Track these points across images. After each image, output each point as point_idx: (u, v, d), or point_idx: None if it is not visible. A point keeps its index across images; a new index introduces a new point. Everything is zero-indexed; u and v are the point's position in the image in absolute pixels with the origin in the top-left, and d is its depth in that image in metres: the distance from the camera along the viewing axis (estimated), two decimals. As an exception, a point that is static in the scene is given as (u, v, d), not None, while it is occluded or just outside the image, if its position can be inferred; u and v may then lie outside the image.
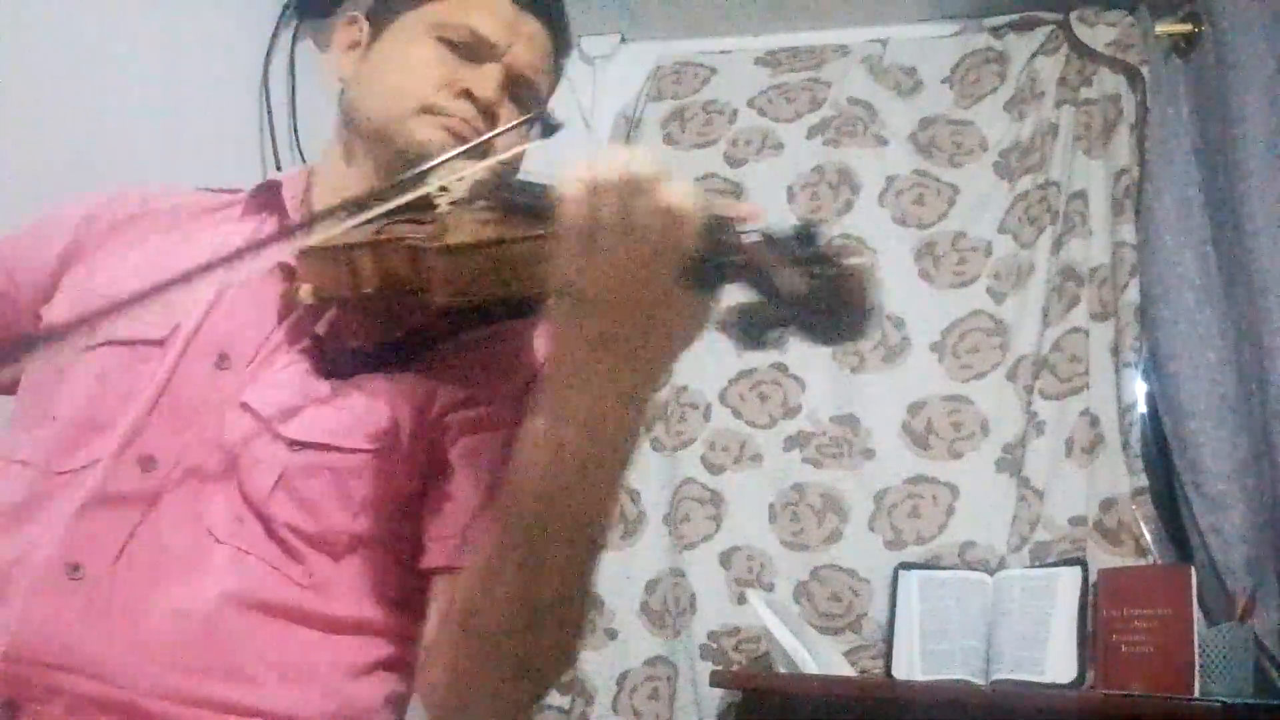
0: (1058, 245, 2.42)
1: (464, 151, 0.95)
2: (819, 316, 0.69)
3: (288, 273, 1.02)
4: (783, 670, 2.14)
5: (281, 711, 0.90)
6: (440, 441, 0.99)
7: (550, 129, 0.98)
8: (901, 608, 2.25)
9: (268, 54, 2.24)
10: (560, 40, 1.15)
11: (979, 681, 2.12)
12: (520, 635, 0.85)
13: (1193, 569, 2.03)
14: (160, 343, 0.98)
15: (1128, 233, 2.35)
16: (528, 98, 1.10)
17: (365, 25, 1.13)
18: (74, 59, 1.75)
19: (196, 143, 1.95)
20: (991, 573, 2.24)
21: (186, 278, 0.84)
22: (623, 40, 2.83)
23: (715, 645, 2.35)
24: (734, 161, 2.65)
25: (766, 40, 2.75)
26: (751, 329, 0.70)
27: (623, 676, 2.41)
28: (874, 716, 2.04)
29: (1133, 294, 2.31)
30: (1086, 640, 2.08)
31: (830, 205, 2.59)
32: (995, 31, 2.61)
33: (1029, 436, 2.32)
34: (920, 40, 2.66)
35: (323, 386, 0.97)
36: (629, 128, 2.76)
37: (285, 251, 1.03)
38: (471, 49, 1.06)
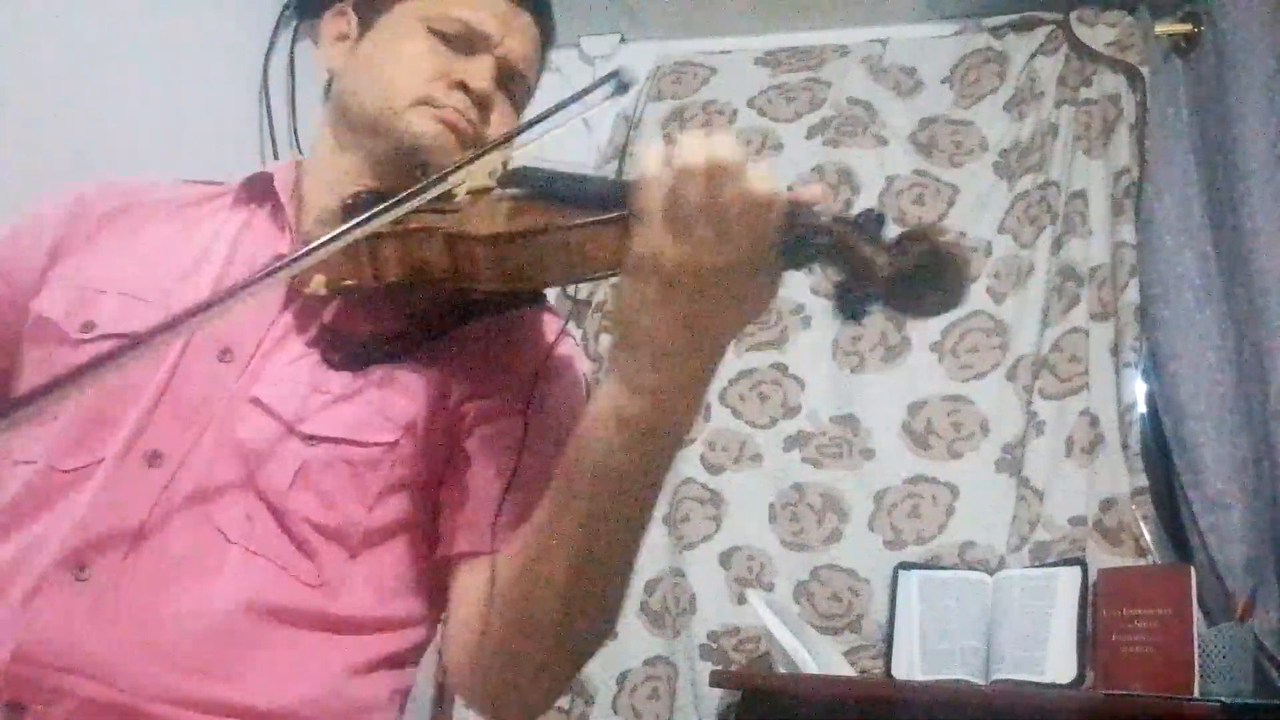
0: (1057, 245, 2.42)
1: (495, 145, 0.95)
2: (912, 290, 0.71)
3: (273, 262, 1.00)
4: (783, 670, 2.14)
5: (285, 713, 0.90)
6: (456, 431, 0.99)
7: (624, 87, 0.99)
8: (901, 608, 2.25)
9: (267, 54, 2.24)
10: (547, 33, 1.15)
11: (979, 681, 2.12)
12: (569, 610, 0.86)
13: (1193, 569, 2.03)
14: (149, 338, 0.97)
15: (1128, 233, 2.35)
16: (519, 90, 1.10)
17: (354, 17, 1.12)
18: (74, 59, 1.76)
19: (197, 142, 1.94)
20: (991, 573, 2.24)
21: (235, 291, 0.83)
22: (623, 40, 2.83)
23: (715, 645, 2.35)
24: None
25: (766, 40, 2.75)
26: (849, 304, 0.73)
27: (623, 676, 2.41)
28: (874, 716, 2.04)
29: (1133, 294, 2.31)
30: (1086, 640, 2.08)
31: (830, 204, 2.58)
32: (995, 31, 2.61)
33: (1029, 436, 2.31)
34: (920, 40, 2.66)
35: (336, 379, 0.97)
36: (629, 128, 2.76)
37: (285, 244, 1.03)
38: (464, 41, 1.06)
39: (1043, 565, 2.20)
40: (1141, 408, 2.32)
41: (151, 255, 1.03)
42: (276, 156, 2.21)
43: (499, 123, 1.07)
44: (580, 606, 0.87)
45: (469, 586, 0.95)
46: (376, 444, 0.96)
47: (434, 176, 0.90)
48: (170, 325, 0.81)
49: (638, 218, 0.77)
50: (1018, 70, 2.56)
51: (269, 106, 2.21)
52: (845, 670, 2.22)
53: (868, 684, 2.19)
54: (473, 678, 0.93)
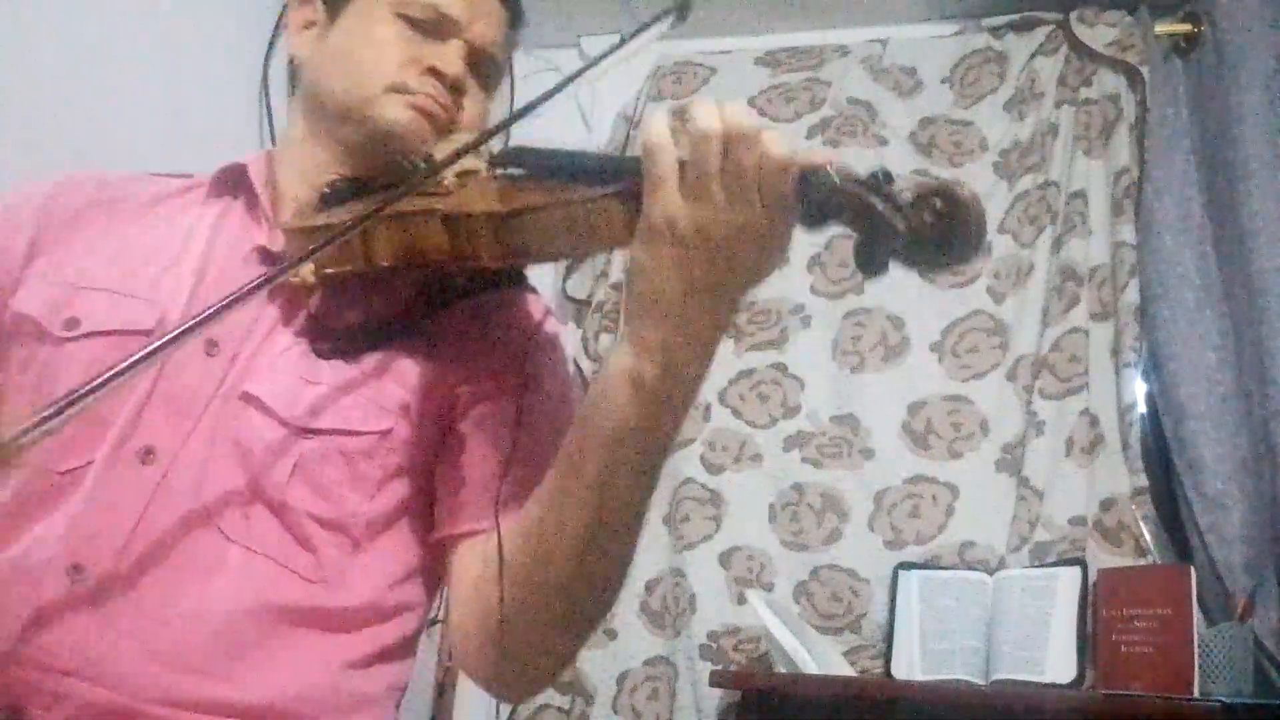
0: (1057, 245, 2.42)
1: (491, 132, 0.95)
2: (931, 245, 0.71)
3: (265, 255, 1.01)
4: (783, 670, 2.14)
5: (284, 710, 0.90)
6: (450, 414, 0.99)
7: (684, 9, 0.99)
8: (901, 608, 2.25)
9: (268, 54, 2.24)
10: (515, 13, 1.14)
11: (979, 681, 2.12)
12: (579, 577, 0.86)
13: (1193, 569, 2.03)
14: (149, 332, 0.96)
15: (1127, 233, 2.35)
16: (489, 72, 1.09)
17: (320, 4, 1.11)
18: (74, 59, 1.76)
19: (197, 142, 1.94)
20: (991, 573, 2.24)
21: (242, 296, 0.82)
22: (622, 40, 2.83)
23: (715, 645, 2.35)
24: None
25: (766, 40, 2.76)
26: (871, 262, 0.73)
27: (623, 676, 2.41)
28: (874, 716, 2.04)
29: (1132, 294, 2.31)
30: (1086, 640, 2.08)
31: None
32: (995, 32, 2.61)
33: (1029, 436, 2.31)
34: (920, 40, 2.67)
35: (326, 369, 0.96)
36: (629, 128, 2.76)
37: (263, 235, 1.02)
38: (433, 26, 1.05)
39: (1043, 565, 2.20)
40: (1141, 408, 2.32)
41: (131, 250, 1.02)
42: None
43: (471, 107, 1.07)
44: (590, 573, 0.87)
45: (471, 565, 0.95)
46: (371, 433, 0.96)
47: (436, 163, 0.90)
48: (191, 329, 0.81)
49: (651, 183, 0.77)
50: (1018, 70, 2.56)
51: (269, 106, 2.21)
52: (845, 670, 2.22)
53: (868, 684, 2.19)
54: (481, 653, 0.93)
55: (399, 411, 0.97)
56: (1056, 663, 2.06)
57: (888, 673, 2.20)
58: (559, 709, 2.43)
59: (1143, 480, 2.22)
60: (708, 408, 2.52)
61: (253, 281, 0.83)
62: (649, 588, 2.46)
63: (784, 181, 0.75)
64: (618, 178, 0.82)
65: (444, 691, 2.50)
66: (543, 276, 2.56)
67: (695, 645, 2.35)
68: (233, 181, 1.08)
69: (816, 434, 2.45)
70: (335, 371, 0.96)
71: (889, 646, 2.23)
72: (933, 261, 0.72)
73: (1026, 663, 2.08)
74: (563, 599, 0.88)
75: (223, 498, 0.92)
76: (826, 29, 2.72)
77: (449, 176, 0.93)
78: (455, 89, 1.04)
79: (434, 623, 1.03)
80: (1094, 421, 2.28)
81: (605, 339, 2.65)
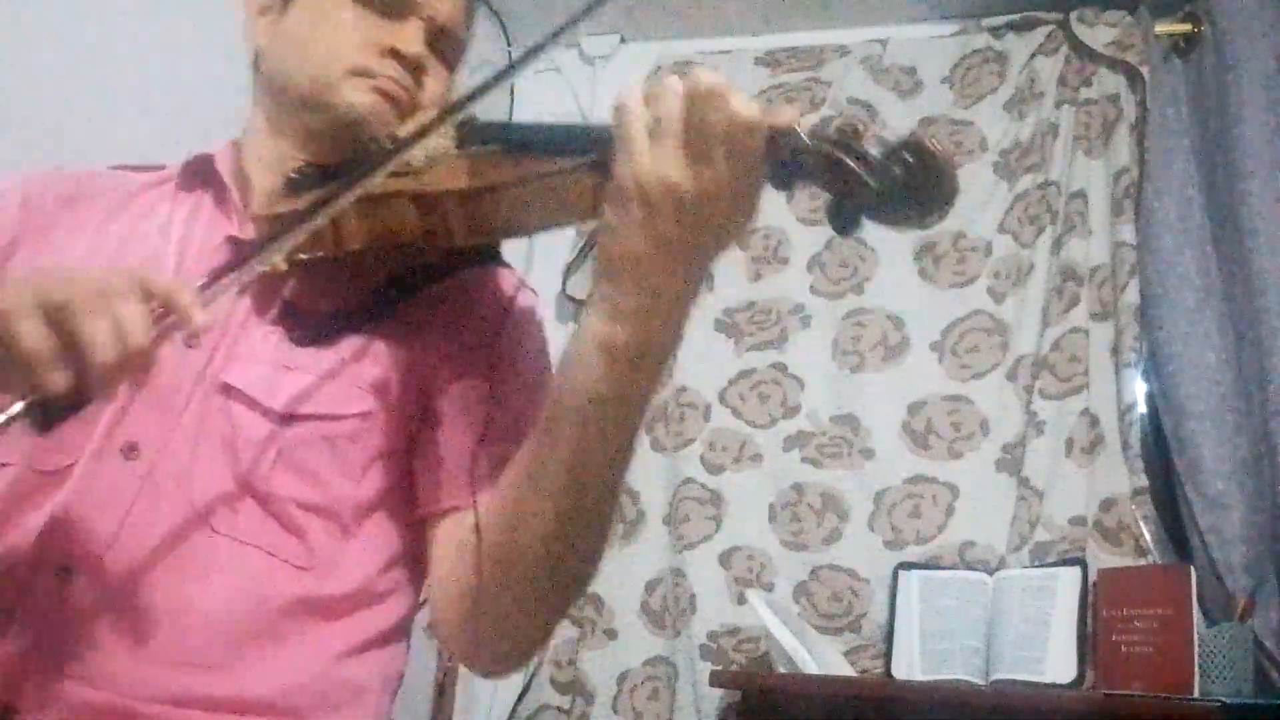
0: (1058, 245, 2.42)
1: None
2: (902, 201, 0.71)
3: (236, 244, 1.00)
4: (783, 670, 2.14)
5: (279, 703, 0.90)
6: (428, 393, 0.99)
7: None
8: (901, 608, 2.25)
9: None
10: None
11: (979, 681, 2.12)
12: (558, 548, 0.86)
13: (1193, 569, 2.03)
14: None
15: (1128, 233, 2.35)
16: (450, 49, 1.08)
17: None
18: (74, 59, 1.75)
19: (197, 142, 1.94)
20: (991, 573, 2.24)
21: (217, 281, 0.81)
22: (623, 40, 2.83)
23: (715, 645, 2.35)
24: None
25: (766, 40, 2.76)
26: (843, 220, 0.73)
27: (623, 676, 2.41)
28: (874, 716, 2.04)
29: (1133, 294, 2.31)
30: (1086, 640, 2.08)
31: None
32: (995, 31, 2.61)
33: (1029, 436, 2.32)
34: (920, 40, 2.67)
35: (304, 355, 0.96)
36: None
37: (234, 226, 1.01)
38: (390, 5, 1.03)
39: (1043, 565, 2.21)
40: (1141, 408, 2.32)
41: (107, 246, 1.01)
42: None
43: (433, 85, 1.05)
44: (567, 544, 0.86)
45: (451, 541, 0.95)
46: (352, 416, 0.95)
47: (396, 145, 0.89)
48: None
49: (620, 145, 0.77)
50: (1018, 70, 2.57)
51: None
52: (845, 670, 2.22)
53: (868, 684, 2.19)
54: (462, 628, 0.92)
55: (378, 393, 0.97)
56: (1056, 663, 2.06)
57: (888, 673, 2.21)
58: (559, 709, 2.43)
59: (1143, 480, 2.22)
60: (708, 408, 2.52)
61: (223, 269, 0.82)
62: (649, 588, 2.46)
63: (752, 141, 0.74)
64: (588, 149, 0.82)
65: (444, 691, 2.50)
66: (543, 276, 2.56)
67: (695, 645, 2.35)
68: (201, 172, 1.07)
69: (816, 434, 2.45)
70: (313, 357, 0.96)
71: (889, 646, 2.23)
72: (906, 216, 0.72)
73: (1026, 663, 2.08)
74: (540, 571, 0.87)
75: (209, 490, 0.91)
76: (826, 29, 2.72)
77: (418, 156, 0.93)
78: (417, 69, 1.03)
79: (425, 603, 1.03)
80: (1094, 421, 2.28)
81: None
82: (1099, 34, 2.48)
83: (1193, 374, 2.20)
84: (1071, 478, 2.26)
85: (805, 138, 0.73)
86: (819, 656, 2.14)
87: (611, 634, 2.44)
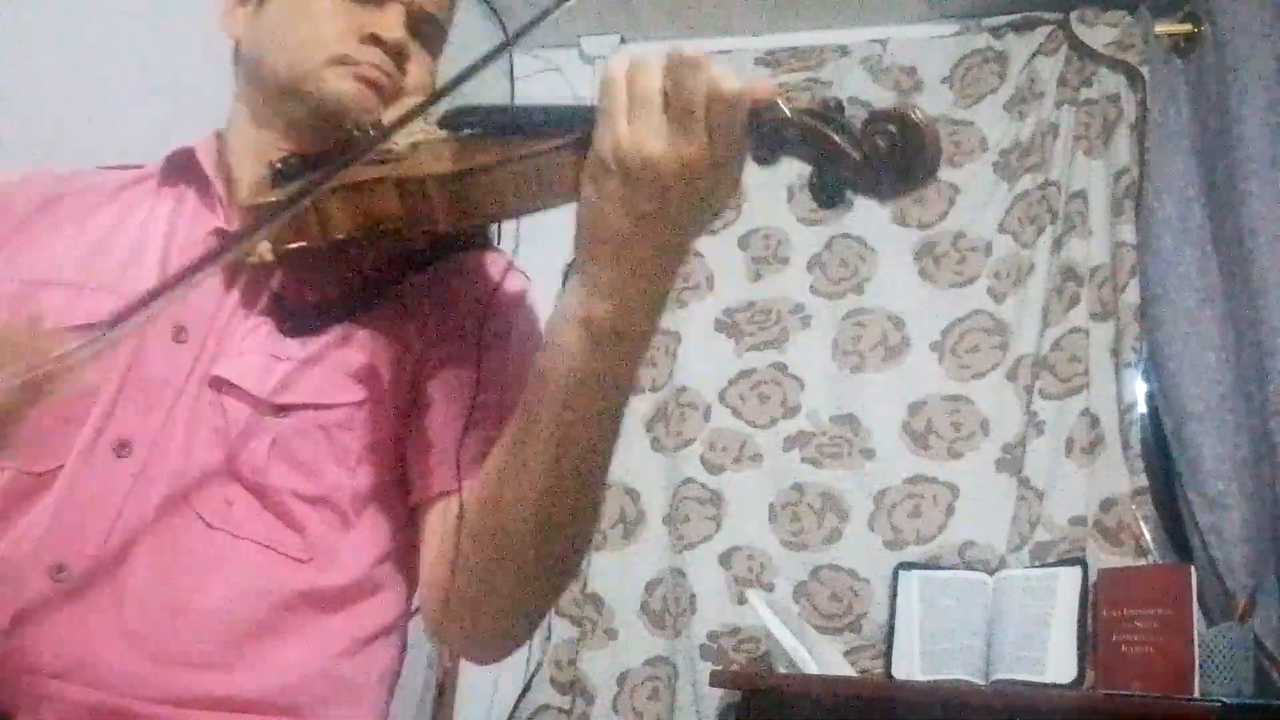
0: (1058, 245, 2.42)
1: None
2: (884, 172, 0.70)
3: (224, 236, 0.99)
4: (783, 670, 2.14)
5: (278, 701, 0.89)
6: (418, 379, 0.98)
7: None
8: (901, 608, 2.25)
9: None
10: None
11: (979, 681, 2.12)
12: (542, 533, 0.85)
13: (1193, 569, 2.03)
14: (114, 324, 0.94)
15: (1128, 233, 2.36)
16: (432, 32, 1.07)
17: None
18: (74, 58, 1.75)
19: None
20: (991, 573, 2.24)
21: (180, 279, 0.81)
22: (623, 40, 2.83)
23: (715, 645, 2.35)
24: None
25: (766, 40, 2.76)
26: (827, 193, 0.72)
27: (623, 676, 2.41)
28: (874, 716, 2.04)
29: (1133, 294, 2.31)
30: (1086, 640, 2.08)
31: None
32: (995, 31, 2.61)
33: (1029, 436, 2.32)
34: (920, 40, 2.67)
35: (294, 346, 0.95)
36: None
37: (219, 218, 1.00)
38: None
39: (1043, 565, 2.21)
40: (1141, 408, 2.32)
41: (89, 245, 1.01)
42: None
43: (416, 71, 1.04)
44: (552, 527, 0.85)
45: (438, 526, 0.94)
46: (345, 404, 0.95)
47: (379, 132, 0.89)
48: (139, 307, 0.79)
49: (601, 117, 0.76)
50: (1018, 70, 2.57)
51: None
52: (845, 670, 2.22)
53: (868, 684, 2.20)
54: (447, 615, 0.91)
55: (370, 381, 0.96)
56: (1056, 663, 2.07)
57: (888, 673, 2.21)
58: (559, 709, 2.43)
59: (1143, 480, 2.22)
60: (708, 408, 2.52)
61: (206, 255, 0.81)
62: (649, 588, 2.46)
63: (734, 114, 0.73)
64: (571, 129, 0.81)
65: (444, 691, 2.50)
66: (544, 275, 2.55)
67: (695, 645, 2.35)
68: (183, 167, 1.06)
69: (816, 434, 2.45)
70: (303, 347, 0.95)
71: (889, 646, 2.23)
72: (889, 187, 0.71)
73: (1026, 663, 2.08)
74: (526, 553, 0.86)
75: (202, 485, 0.91)
76: (826, 29, 2.72)
77: (400, 142, 0.92)
78: (398, 54, 1.02)
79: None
80: (1094, 421, 2.28)
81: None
82: (1099, 34, 2.48)
83: (1193, 374, 2.20)
84: (1071, 478, 2.26)
85: (788, 110, 0.72)
86: (819, 656, 2.14)
87: (611, 634, 2.44)
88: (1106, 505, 2.23)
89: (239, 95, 1.08)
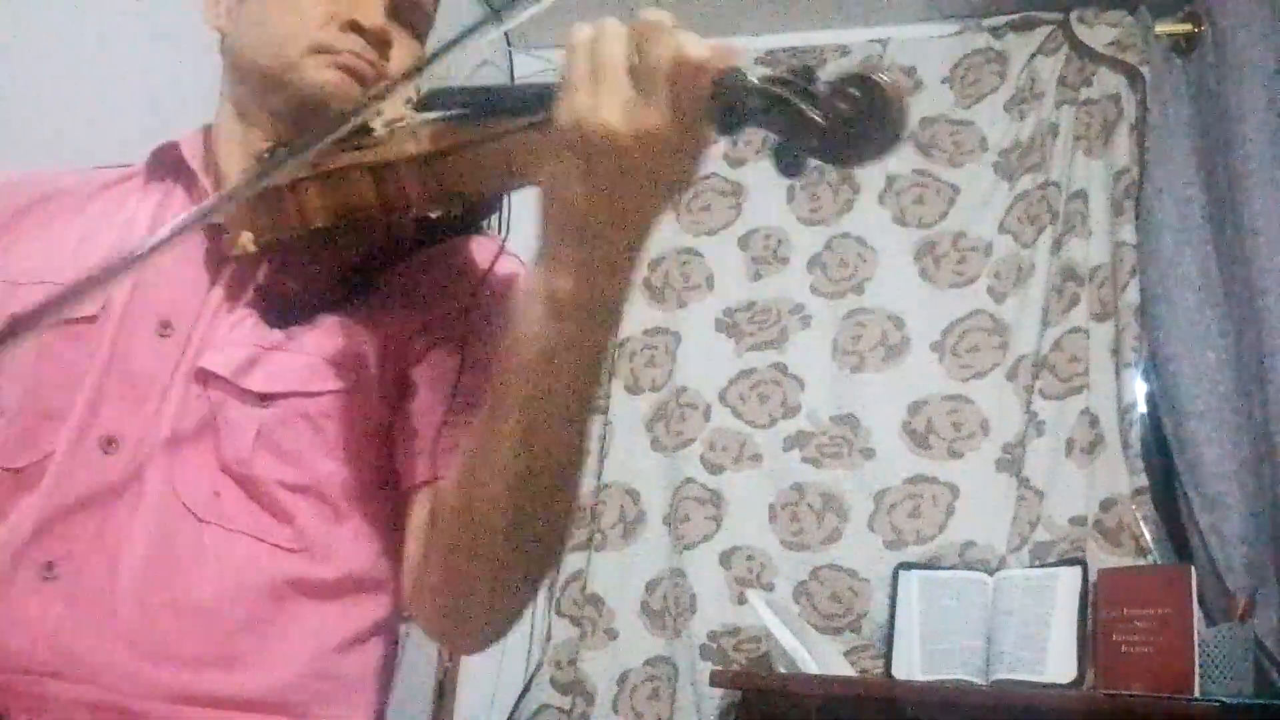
0: (1058, 245, 2.42)
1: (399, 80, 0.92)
2: (850, 139, 0.69)
3: (211, 229, 0.97)
4: (783, 670, 2.14)
5: (272, 698, 0.89)
6: (406, 365, 0.97)
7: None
8: (901, 608, 2.25)
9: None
10: None
11: (979, 681, 2.12)
12: (514, 521, 0.83)
13: (1193, 569, 2.03)
14: (93, 319, 0.94)
15: (1128, 233, 2.35)
16: (416, 18, 1.05)
17: None
18: (73, 59, 1.76)
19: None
20: (991, 573, 2.24)
21: (129, 261, 0.79)
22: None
23: (715, 645, 2.35)
24: (734, 161, 2.65)
25: (766, 40, 2.75)
26: (791, 161, 0.71)
27: (623, 676, 2.41)
28: (874, 716, 2.04)
29: (1133, 294, 2.31)
30: (1086, 640, 2.08)
31: (830, 204, 2.59)
32: (995, 31, 2.61)
33: (1029, 436, 2.32)
34: (920, 40, 2.66)
35: (280, 336, 0.94)
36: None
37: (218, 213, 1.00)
38: None
39: (1043, 565, 2.21)
40: (1141, 408, 2.32)
41: (72, 244, 1.00)
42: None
43: (400, 57, 1.03)
44: (527, 514, 0.83)
45: (421, 514, 0.93)
46: (329, 392, 0.94)
47: (344, 116, 0.86)
48: (94, 280, 0.78)
49: (563, 88, 0.74)
50: (1018, 70, 2.57)
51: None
52: (845, 670, 2.22)
53: (868, 684, 2.20)
54: (425, 603, 0.91)
55: (356, 369, 0.95)
56: (1056, 663, 2.07)
57: (888, 673, 2.21)
58: (559, 709, 2.43)
59: (1143, 480, 2.22)
60: (708, 408, 2.52)
61: (177, 223, 0.80)
62: (649, 588, 2.46)
63: (698, 80, 0.71)
64: (545, 106, 0.78)
65: (444, 691, 2.50)
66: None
67: (695, 645, 2.35)
68: (170, 164, 1.06)
69: (816, 434, 2.45)
70: (288, 336, 0.94)
71: (889, 646, 2.23)
72: (855, 154, 0.69)
73: (1026, 663, 2.08)
74: (499, 541, 0.84)
75: (192, 478, 0.90)
76: (826, 29, 2.72)
77: (379, 128, 0.91)
78: (380, 42, 1.00)
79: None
80: (1094, 421, 2.28)
81: (605, 339, 2.65)
82: (1099, 34, 2.48)
83: (1193, 374, 2.20)
84: (1071, 478, 2.26)
85: (753, 78, 0.71)
86: (819, 656, 2.14)
87: (612, 634, 2.44)
88: (1106, 505, 2.23)
89: (224, 88, 1.07)
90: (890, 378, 2.45)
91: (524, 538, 0.85)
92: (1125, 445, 2.25)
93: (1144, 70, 2.42)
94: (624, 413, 2.58)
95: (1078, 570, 2.14)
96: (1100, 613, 2.09)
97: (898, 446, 2.40)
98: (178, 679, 0.86)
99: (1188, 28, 2.38)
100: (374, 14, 1.00)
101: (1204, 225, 2.28)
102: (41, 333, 0.91)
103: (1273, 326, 2.05)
